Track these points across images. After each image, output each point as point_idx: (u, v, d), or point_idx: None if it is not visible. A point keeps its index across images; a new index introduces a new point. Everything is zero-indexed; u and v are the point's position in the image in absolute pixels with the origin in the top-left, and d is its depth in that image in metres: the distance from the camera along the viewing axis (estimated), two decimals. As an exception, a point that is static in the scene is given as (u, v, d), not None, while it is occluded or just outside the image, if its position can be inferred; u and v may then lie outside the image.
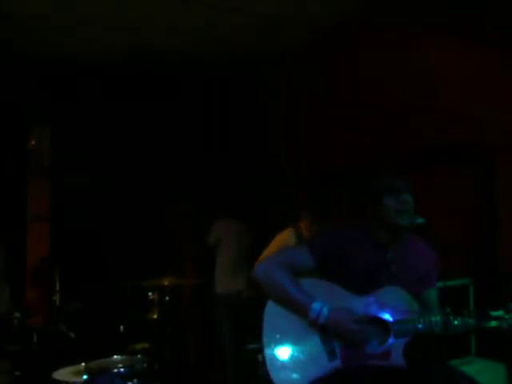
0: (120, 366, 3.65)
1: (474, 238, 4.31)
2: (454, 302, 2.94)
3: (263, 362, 2.69)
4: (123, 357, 3.85)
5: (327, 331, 2.62)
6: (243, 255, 5.81)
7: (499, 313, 2.60)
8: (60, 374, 3.71)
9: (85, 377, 3.53)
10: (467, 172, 4.37)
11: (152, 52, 5.82)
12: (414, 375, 2.61)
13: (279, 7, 4.97)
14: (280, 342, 2.66)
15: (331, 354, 2.62)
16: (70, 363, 3.86)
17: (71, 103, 6.15)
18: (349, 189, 4.97)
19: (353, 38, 5.25)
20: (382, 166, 4.78)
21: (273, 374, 2.63)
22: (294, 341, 2.66)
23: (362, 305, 2.67)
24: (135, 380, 3.59)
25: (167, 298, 4.71)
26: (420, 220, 2.73)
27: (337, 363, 2.61)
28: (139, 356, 3.92)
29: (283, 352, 2.66)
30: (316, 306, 2.61)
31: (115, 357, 3.84)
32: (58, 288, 5.04)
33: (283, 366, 2.64)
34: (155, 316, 4.70)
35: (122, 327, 4.75)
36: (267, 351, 2.66)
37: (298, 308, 2.65)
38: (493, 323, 2.60)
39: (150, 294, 4.73)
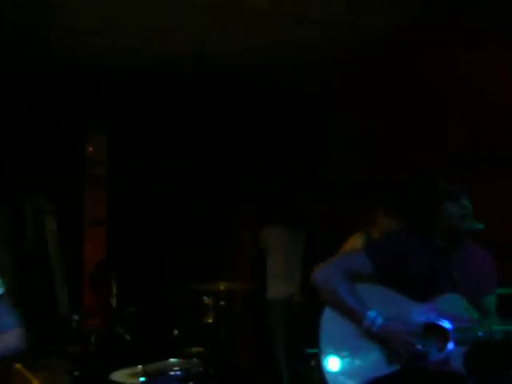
0: (176, 368, 3.70)
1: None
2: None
3: (318, 367, 2.69)
4: (179, 360, 3.90)
5: (380, 340, 2.61)
6: (294, 261, 5.82)
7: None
8: (117, 376, 3.78)
9: (142, 379, 3.59)
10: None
11: (213, 60, 5.87)
12: (474, 382, 2.57)
13: (343, 12, 4.95)
14: (337, 347, 2.66)
15: (390, 359, 2.60)
16: (125, 365, 3.93)
17: (127, 110, 6.26)
18: (399, 194, 4.91)
19: (417, 38, 5.20)
20: (433, 170, 4.73)
21: (329, 379, 2.63)
22: (352, 346, 2.65)
23: (420, 312, 2.64)
24: (191, 383, 3.64)
25: (222, 302, 4.74)
26: (479, 225, 2.69)
27: (396, 368, 2.60)
28: (194, 359, 3.96)
29: (341, 357, 2.65)
30: (371, 314, 2.61)
31: (171, 360, 3.89)
32: (114, 291, 5.13)
33: (340, 371, 2.63)
34: (210, 320, 4.75)
35: (176, 331, 4.81)
36: (324, 356, 2.66)
37: (353, 315, 2.64)
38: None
39: (205, 298, 4.77)
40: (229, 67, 6.00)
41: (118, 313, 5.13)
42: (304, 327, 5.33)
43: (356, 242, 4.61)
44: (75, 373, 4.43)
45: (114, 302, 5.11)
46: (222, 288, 4.73)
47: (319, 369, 2.68)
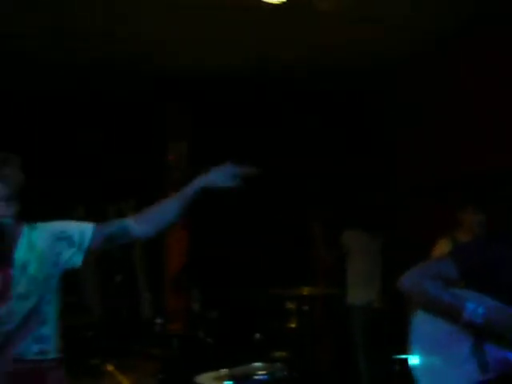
0: (261, 373, 3.72)
1: None
2: None
3: (406, 371, 2.66)
4: (263, 364, 3.92)
5: (483, 332, 2.53)
6: (374, 266, 5.77)
7: None
8: (203, 379, 3.83)
9: (228, 383, 3.64)
10: None
11: (280, 65, 5.92)
12: None
13: (408, 13, 4.92)
14: (429, 354, 2.61)
15: (483, 368, 2.54)
16: (208, 369, 3.98)
17: (206, 118, 6.38)
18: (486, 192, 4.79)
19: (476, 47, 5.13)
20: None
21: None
22: (444, 353, 2.59)
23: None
24: (276, 387, 3.65)
25: (305, 307, 4.74)
26: None
27: (489, 376, 2.53)
28: (278, 363, 3.97)
29: (432, 364, 2.60)
30: (470, 305, 2.53)
31: (255, 364, 3.91)
32: (197, 296, 5.22)
33: (431, 378, 2.59)
34: (293, 325, 4.75)
35: (257, 335, 4.84)
36: (414, 362, 2.62)
37: (450, 310, 2.57)
38: None
39: (287, 303, 4.78)
40: (292, 72, 6.05)
41: (199, 317, 5.21)
42: (385, 333, 5.29)
43: (443, 247, 4.51)
44: (160, 375, 4.53)
45: (196, 306, 5.19)
46: (304, 293, 4.73)
47: (408, 373, 2.65)
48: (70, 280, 2.57)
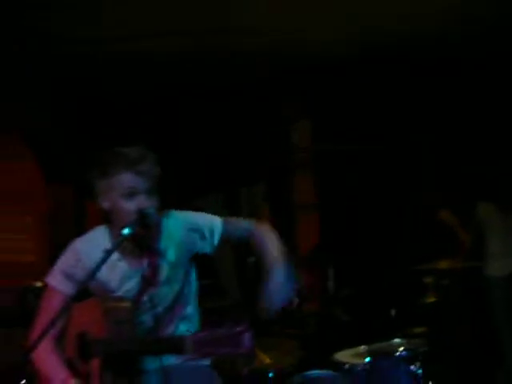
0: (401, 349, 3.66)
1: None
2: None
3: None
4: (402, 340, 3.86)
5: None
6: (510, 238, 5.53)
7: None
8: (342, 356, 3.85)
9: (367, 359, 3.62)
10: None
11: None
12: None
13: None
14: None
15: None
16: (345, 346, 3.98)
17: (329, 96, 6.34)
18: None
19: None
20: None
21: None
22: None
23: None
24: (417, 363, 3.59)
25: (444, 281, 4.61)
26: None
27: None
28: (418, 339, 3.90)
29: None
30: None
31: (395, 340, 3.86)
32: (331, 274, 5.21)
33: None
34: (431, 299, 4.63)
35: (393, 311, 4.76)
36: None
37: None
38: None
39: (425, 277, 4.66)
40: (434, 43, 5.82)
41: (335, 295, 5.21)
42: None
43: None
44: (299, 353, 4.59)
45: (331, 285, 5.19)
46: (443, 267, 4.58)
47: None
48: (205, 263, 2.70)
